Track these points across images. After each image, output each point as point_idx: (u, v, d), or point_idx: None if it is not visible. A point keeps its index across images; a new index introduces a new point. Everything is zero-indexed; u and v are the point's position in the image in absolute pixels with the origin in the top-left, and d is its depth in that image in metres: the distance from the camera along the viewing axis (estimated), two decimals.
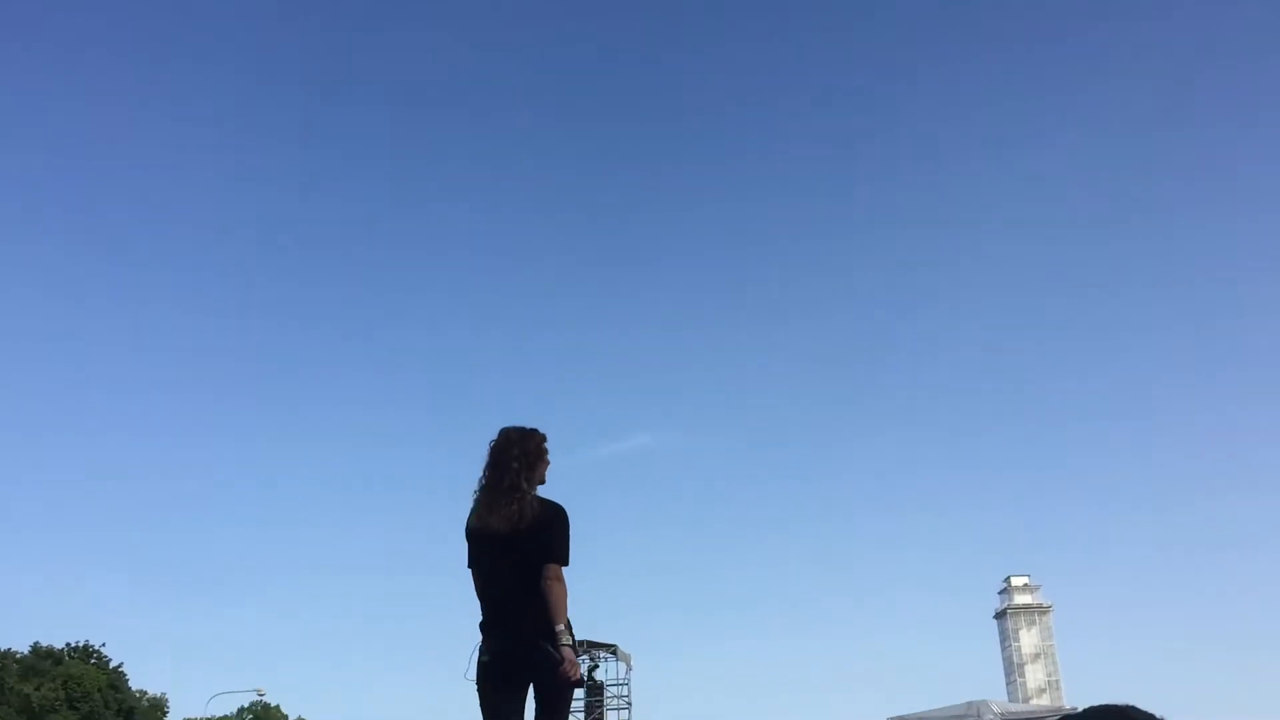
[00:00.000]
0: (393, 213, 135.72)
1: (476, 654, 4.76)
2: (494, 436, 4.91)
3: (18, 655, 58.41)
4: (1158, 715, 1.61)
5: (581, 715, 36.79)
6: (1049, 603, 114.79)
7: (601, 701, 36.73)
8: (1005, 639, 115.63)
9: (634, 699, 37.18)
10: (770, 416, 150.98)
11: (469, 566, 4.86)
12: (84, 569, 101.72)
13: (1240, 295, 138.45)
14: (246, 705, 69.87)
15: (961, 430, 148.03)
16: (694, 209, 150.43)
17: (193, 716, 64.90)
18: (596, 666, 37.28)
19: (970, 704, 30.47)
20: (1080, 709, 2.04)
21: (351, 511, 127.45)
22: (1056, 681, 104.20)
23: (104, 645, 62.23)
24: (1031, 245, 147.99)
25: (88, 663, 60.33)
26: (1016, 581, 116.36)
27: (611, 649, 37.39)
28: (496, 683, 4.72)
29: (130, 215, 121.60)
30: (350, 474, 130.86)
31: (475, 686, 4.75)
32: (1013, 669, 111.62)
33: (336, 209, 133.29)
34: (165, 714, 65.08)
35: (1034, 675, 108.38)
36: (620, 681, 37.60)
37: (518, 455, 4.79)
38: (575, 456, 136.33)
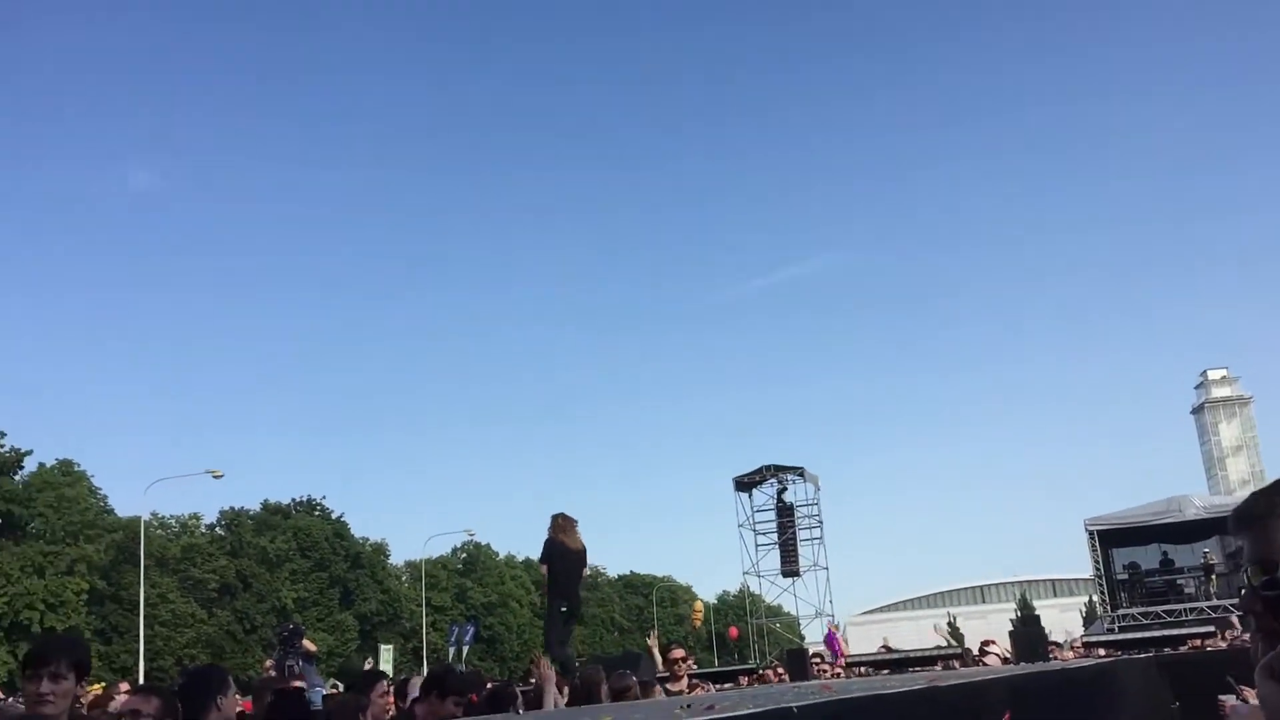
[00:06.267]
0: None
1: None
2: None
3: (250, 513, 63.78)
4: None
5: (774, 536, 37.96)
6: (1249, 394, 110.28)
7: (793, 522, 37.69)
8: (1204, 433, 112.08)
9: (824, 517, 37.95)
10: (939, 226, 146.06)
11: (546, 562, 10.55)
12: (295, 429, 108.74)
13: None
14: (459, 545, 74.78)
15: (1153, 224, 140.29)
16: None
17: (412, 558, 69.93)
18: (785, 489, 38.17)
19: (1171, 500, 29.67)
20: None
21: (549, 360, 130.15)
22: (1261, 472, 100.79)
23: (324, 498, 67.26)
24: None
25: (313, 515, 65.33)
26: (1214, 375, 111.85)
27: (799, 471, 38.11)
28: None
29: None
30: (542, 324, 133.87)
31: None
32: (1213, 463, 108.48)
33: None
34: (387, 557, 70.16)
35: (1236, 468, 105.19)
36: (810, 502, 38.38)
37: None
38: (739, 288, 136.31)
